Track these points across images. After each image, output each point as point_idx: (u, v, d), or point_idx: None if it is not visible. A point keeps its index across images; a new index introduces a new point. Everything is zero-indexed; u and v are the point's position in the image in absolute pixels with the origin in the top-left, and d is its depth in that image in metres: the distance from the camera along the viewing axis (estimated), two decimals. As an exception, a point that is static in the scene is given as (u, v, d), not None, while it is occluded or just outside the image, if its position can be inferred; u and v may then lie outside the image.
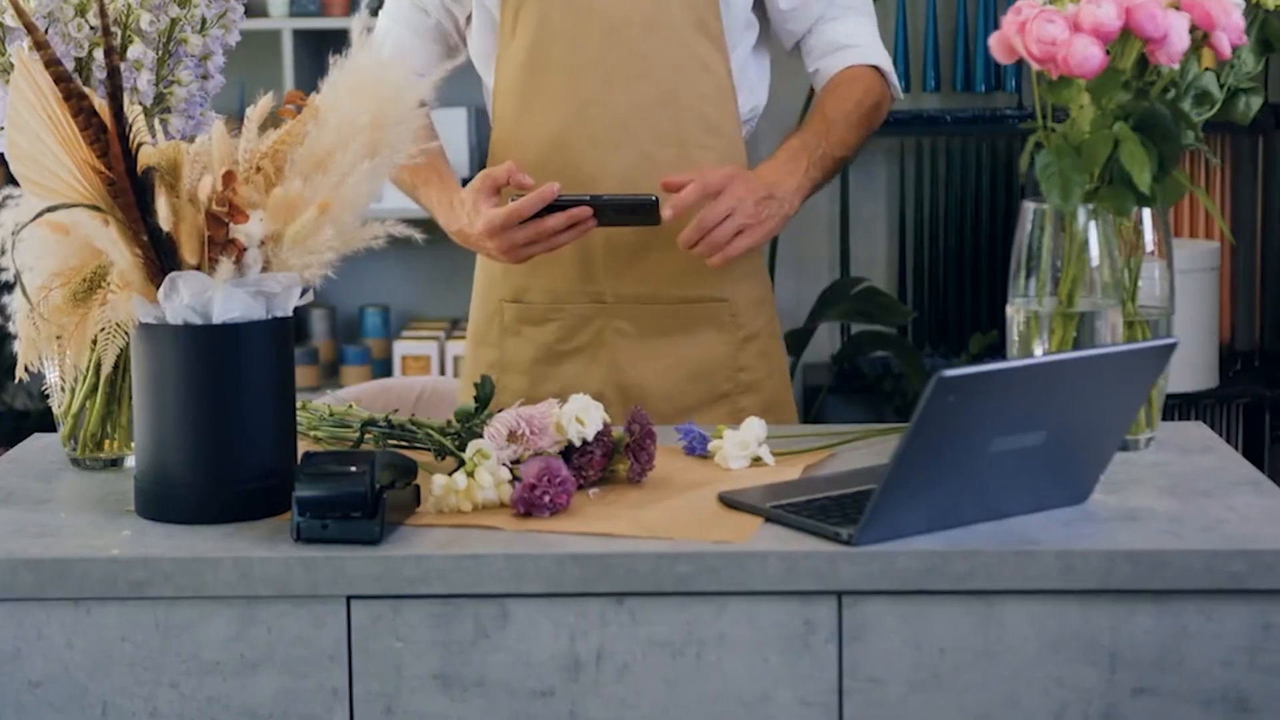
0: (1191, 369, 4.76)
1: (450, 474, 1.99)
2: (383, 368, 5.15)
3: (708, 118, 2.52)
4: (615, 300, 2.55)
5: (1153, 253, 2.18)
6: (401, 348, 5.09)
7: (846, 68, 2.64)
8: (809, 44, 2.67)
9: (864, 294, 4.74)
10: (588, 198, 2.41)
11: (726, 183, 2.40)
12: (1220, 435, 5.02)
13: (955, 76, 5.16)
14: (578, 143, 2.53)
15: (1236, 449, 5.04)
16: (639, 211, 2.40)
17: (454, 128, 5.09)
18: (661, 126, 2.50)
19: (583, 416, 2.07)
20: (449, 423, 2.18)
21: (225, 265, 1.92)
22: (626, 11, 2.49)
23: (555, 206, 2.40)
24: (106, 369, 2.08)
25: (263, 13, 5.07)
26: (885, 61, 2.66)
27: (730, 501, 2.01)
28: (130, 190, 1.92)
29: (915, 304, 5.23)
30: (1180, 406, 4.91)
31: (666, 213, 2.41)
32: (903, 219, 5.24)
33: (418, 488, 2.00)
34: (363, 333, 5.25)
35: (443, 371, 5.06)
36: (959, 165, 5.19)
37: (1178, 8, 1.99)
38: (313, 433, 2.26)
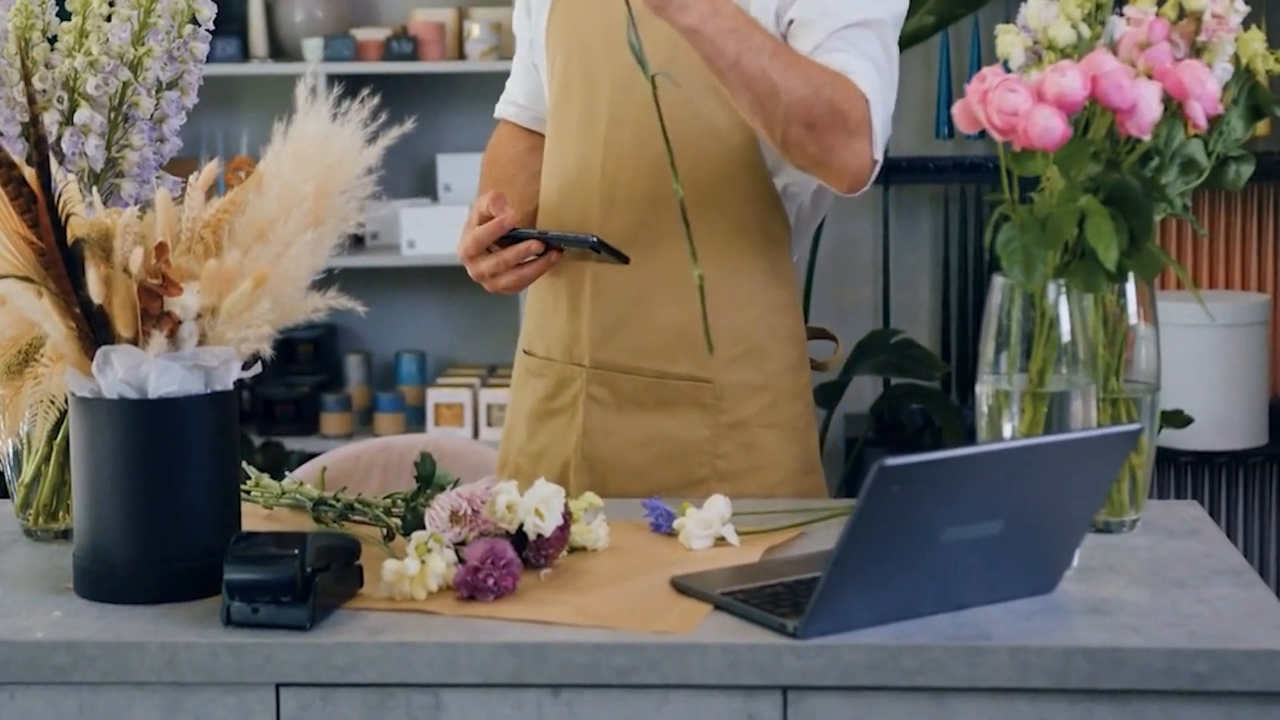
0: (1239, 426, 4.64)
1: (403, 559, 1.92)
2: (416, 416, 5.09)
3: (707, 187, 2.40)
4: (594, 365, 2.46)
5: (1136, 325, 2.09)
6: (435, 395, 5.02)
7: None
8: None
9: (900, 346, 4.64)
10: (536, 233, 2.38)
11: None
12: (1270, 496, 4.94)
13: (1000, 123, 5.05)
14: (578, 199, 2.47)
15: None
16: (599, 251, 2.33)
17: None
18: (658, 190, 2.38)
19: (543, 509, 1.98)
20: (394, 501, 2.11)
21: (158, 338, 1.87)
22: (634, 71, 2.40)
23: (523, 239, 2.38)
24: (39, 444, 2.04)
25: (298, 57, 5.04)
26: (879, 108, 2.31)
27: (682, 587, 1.94)
28: (61, 261, 1.87)
29: (959, 355, 5.13)
30: (1228, 465, 4.78)
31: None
32: (946, 268, 5.14)
33: (360, 568, 1.93)
34: (398, 379, 5.20)
35: (475, 420, 4.99)
36: (1004, 214, 5.08)
37: (1150, 75, 1.90)
38: (270, 507, 2.21)
